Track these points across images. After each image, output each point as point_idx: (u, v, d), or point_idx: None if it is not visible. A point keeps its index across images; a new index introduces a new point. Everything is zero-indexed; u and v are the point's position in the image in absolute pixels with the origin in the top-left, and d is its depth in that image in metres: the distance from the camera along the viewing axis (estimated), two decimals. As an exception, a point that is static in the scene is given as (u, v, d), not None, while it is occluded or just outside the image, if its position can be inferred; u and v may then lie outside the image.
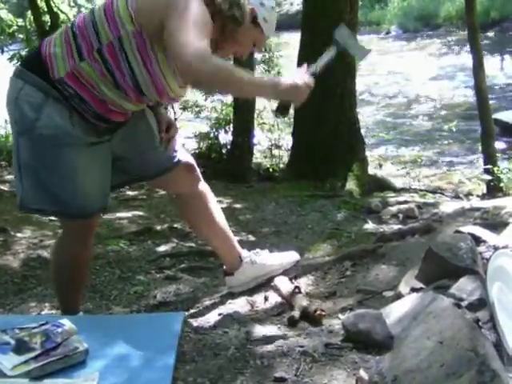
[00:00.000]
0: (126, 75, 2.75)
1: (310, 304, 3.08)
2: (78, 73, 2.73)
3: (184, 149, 3.38)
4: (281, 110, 2.92)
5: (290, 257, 3.66)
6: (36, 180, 2.85)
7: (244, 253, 3.50)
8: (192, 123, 9.79)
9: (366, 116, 12.95)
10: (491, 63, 16.19)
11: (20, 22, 12.38)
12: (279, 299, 3.30)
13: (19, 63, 2.99)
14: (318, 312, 2.98)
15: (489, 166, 7.52)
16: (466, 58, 13.16)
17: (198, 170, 3.36)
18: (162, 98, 2.91)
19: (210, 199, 3.40)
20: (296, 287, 3.25)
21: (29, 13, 11.53)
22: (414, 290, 2.67)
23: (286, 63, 9.52)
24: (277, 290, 3.36)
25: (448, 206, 5.09)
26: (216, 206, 3.45)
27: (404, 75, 17.94)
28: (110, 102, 2.81)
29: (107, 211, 4.08)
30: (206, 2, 2.73)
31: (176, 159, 3.22)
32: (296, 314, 3.01)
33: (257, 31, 2.94)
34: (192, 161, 3.34)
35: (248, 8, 2.88)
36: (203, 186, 3.37)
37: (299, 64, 7.08)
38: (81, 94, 2.76)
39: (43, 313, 3.63)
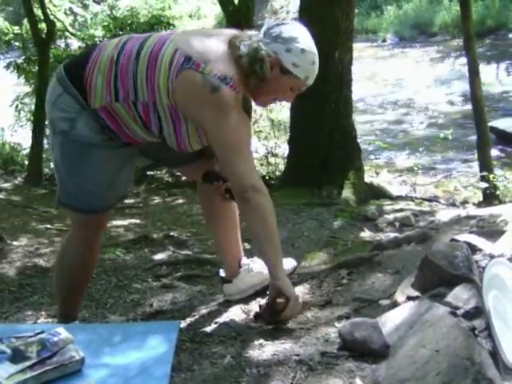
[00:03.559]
0: (154, 128, 2.90)
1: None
2: (112, 109, 2.86)
3: None
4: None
5: (288, 264, 3.66)
6: (61, 176, 3.06)
7: (243, 260, 3.50)
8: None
9: (362, 123, 12.96)
10: (487, 71, 16.24)
11: (16, 29, 12.42)
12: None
13: (63, 65, 3.05)
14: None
15: (485, 174, 7.52)
16: (462, 66, 13.19)
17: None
18: (180, 150, 2.99)
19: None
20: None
21: (25, 21, 11.56)
22: (410, 298, 2.67)
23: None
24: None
25: (444, 214, 5.09)
26: (236, 210, 3.47)
27: (400, 83, 17.96)
28: (139, 137, 2.97)
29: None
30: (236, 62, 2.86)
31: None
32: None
33: (289, 78, 2.93)
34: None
35: (269, 59, 2.87)
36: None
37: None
38: (111, 127, 2.90)
39: (39, 321, 3.62)
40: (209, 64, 2.79)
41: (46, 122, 9.08)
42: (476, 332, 2.27)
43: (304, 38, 2.93)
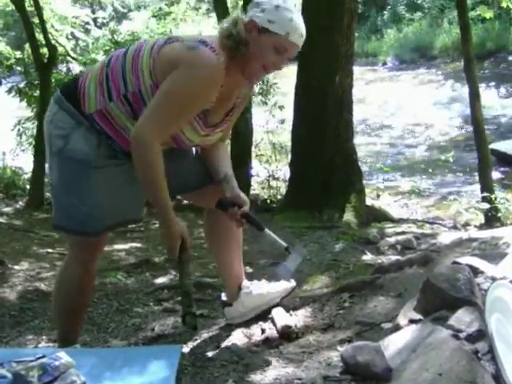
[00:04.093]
0: None
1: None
2: (107, 112, 2.89)
3: None
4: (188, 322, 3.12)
5: (287, 284, 3.64)
6: (57, 198, 3.07)
7: (244, 283, 3.49)
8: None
9: (363, 146, 12.98)
10: (487, 94, 16.29)
11: (18, 54, 12.48)
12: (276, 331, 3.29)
13: (59, 88, 3.15)
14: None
15: (486, 195, 7.53)
16: (463, 89, 13.23)
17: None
18: (177, 144, 3.01)
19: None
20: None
21: (27, 45, 11.61)
22: (412, 321, 2.66)
23: (284, 93, 9.54)
24: (273, 322, 3.35)
25: (446, 237, 5.08)
26: (240, 233, 3.46)
27: (401, 106, 18.01)
28: None
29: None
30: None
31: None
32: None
33: (268, 36, 2.87)
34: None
35: (245, 23, 2.88)
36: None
37: (296, 97, 7.10)
38: (108, 132, 2.92)
39: (40, 346, 3.61)
40: (189, 37, 2.90)
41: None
42: (479, 355, 2.26)
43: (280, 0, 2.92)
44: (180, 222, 3.02)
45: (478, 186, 8.41)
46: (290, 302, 3.61)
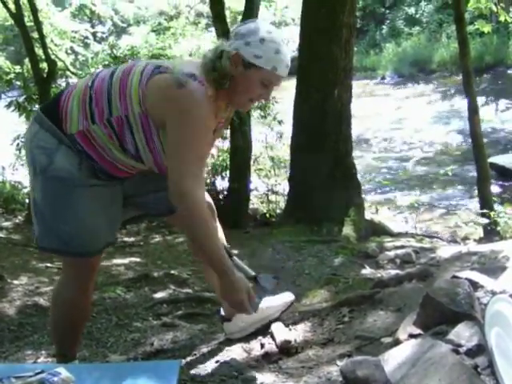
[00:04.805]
0: (129, 144, 2.86)
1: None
2: (89, 133, 2.86)
3: None
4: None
5: (286, 298, 3.64)
6: (43, 218, 2.97)
7: None
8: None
9: (362, 160, 12.99)
10: (486, 107, 16.32)
11: (17, 69, 12.50)
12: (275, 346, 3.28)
13: (39, 107, 3.08)
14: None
15: (485, 211, 7.53)
16: (461, 103, 13.25)
17: (215, 211, 3.36)
18: (160, 170, 2.94)
19: (222, 241, 3.36)
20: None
21: (26, 60, 11.63)
22: (412, 336, 2.66)
23: (283, 108, 9.54)
24: (272, 336, 3.34)
25: (445, 251, 5.08)
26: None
27: (399, 120, 18.03)
28: (118, 161, 2.93)
29: (104, 258, 4.08)
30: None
31: None
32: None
33: (255, 71, 2.85)
34: (210, 201, 3.34)
35: (230, 55, 2.84)
36: (217, 228, 3.33)
37: (295, 106, 7.08)
38: (89, 153, 2.89)
39: (39, 361, 3.60)
40: (177, 66, 2.84)
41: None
42: (479, 370, 2.25)
43: (263, 30, 2.87)
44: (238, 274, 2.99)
45: (477, 200, 8.41)
46: (289, 317, 3.61)
